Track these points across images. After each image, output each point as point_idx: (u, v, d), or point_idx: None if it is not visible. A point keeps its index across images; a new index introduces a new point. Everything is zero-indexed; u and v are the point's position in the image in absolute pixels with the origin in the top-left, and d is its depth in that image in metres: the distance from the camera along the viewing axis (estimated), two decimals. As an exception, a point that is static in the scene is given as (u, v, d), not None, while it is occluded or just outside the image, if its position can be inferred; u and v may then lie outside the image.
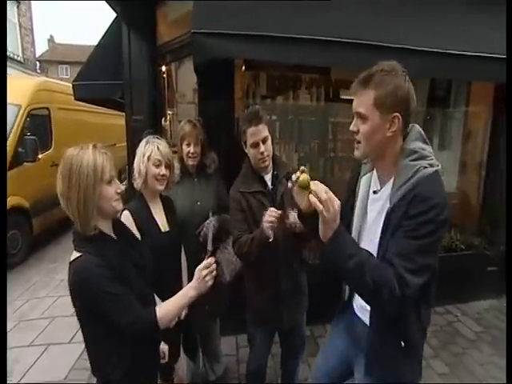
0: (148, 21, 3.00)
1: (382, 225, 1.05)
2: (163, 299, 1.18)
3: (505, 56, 2.12)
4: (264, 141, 1.65)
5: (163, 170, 1.52)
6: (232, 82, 2.67)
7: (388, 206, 1.04)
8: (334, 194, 0.99)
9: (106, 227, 1.05)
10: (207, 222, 1.93)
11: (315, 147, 3.18)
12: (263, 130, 1.64)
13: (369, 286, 0.95)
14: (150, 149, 1.51)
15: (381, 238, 1.05)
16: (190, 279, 1.18)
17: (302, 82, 3.09)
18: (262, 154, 1.65)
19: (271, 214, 1.49)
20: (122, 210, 1.39)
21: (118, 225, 1.11)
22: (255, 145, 1.65)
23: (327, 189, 0.98)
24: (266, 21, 1.98)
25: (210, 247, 1.34)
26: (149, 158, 1.49)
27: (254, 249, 1.62)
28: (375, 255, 1.05)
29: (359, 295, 1.10)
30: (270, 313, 1.78)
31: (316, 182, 1.02)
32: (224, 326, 2.27)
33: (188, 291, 1.11)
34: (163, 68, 3.49)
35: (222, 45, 1.79)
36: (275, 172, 1.76)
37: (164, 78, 3.62)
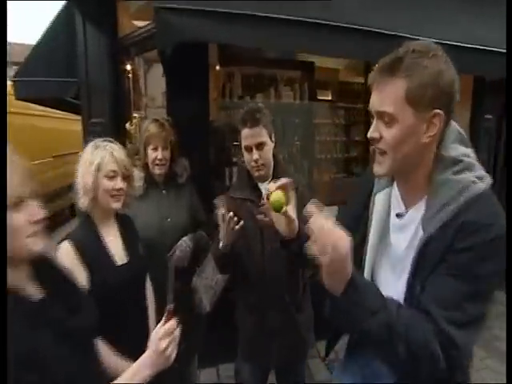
0: (107, 10, 2.58)
1: (413, 260, 0.76)
2: (124, 350, 0.88)
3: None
4: (259, 146, 1.36)
5: (119, 183, 1.15)
6: (206, 81, 2.32)
7: (421, 234, 0.75)
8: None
9: (18, 278, 0.66)
10: (180, 242, 1.57)
11: (298, 149, 2.88)
12: (259, 134, 1.35)
13: (400, 353, 0.67)
14: (100, 155, 1.13)
15: (412, 276, 0.76)
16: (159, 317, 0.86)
17: (283, 79, 2.79)
18: (255, 161, 1.36)
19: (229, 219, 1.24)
20: (61, 241, 1.01)
21: (41, 270, 0.72)
22: (248, 149, 1.37)
23: (328, 222, 0.67)
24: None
25: (170, 300, 0.99)
26: (99, 168, 1.11)
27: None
28: (402, 299, 0.77)
29: (387, 365, 0.79)
30: (258, 346, 1.47)
31: (311, 206, 0.71)
32: (203, 357, 1.91)
33: (139, 370, 0.75)
34: (128, 67, 3.11)
35: (191, 24, 1.44)
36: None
37: (129, 77, 3.23)
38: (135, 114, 3.44)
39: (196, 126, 2.19)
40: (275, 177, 1.46)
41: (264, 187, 1.47)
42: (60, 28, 2.60)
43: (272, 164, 1.44)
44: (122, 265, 1.15)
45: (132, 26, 2.61)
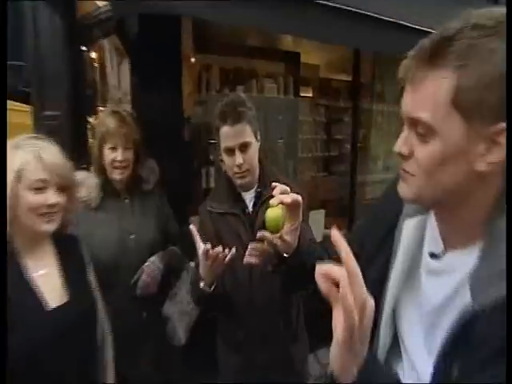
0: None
1: (451, 332, 0.50)
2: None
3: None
4: (243, 148, 1.09)
5: (51, 198, 0.82)
6: (179, 70, 2.02)
7: (468, 297, 0.48)
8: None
9: None
10: (147, 264, 1.28)
11: (282, 147, 2.61)
12: (242, 133, 1.09)
13: None
14: (21, 160, 0.80)
15: (444, 352, 0.51)
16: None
17: (265, 72, 2.50)
18: (238, 167, 1.10)
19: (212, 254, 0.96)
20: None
21: None
22: (229, 152, 1.10)
23: (353, 269, 0.43)
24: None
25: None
26: (19, 177, 0.78)
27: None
28: (430, 368, 0.52)
29: None
30: None
31: (335, 233, 0.44)
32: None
33: None
34: (93, 54, 2.71)
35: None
36: (259, 189, 1.19)
37: (96, 67, 2.83)
38: (102, 108, 3.05)
39: (166, 122, 1.88)
40: (262, 184, 1.20)
41: (249, 197, 1.21)
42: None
43: (258, 169, 1.18)
44: (59, 307, 0.83)
45: (93, 3, 2.23)
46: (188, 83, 2.48)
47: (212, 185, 2.31)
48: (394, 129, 3.22)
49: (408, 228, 0.64)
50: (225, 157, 1.13)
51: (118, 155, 1.23)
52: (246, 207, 1.19)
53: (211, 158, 2.50)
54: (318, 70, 3.53)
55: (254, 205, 1.19)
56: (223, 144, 1.10)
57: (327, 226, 2.67)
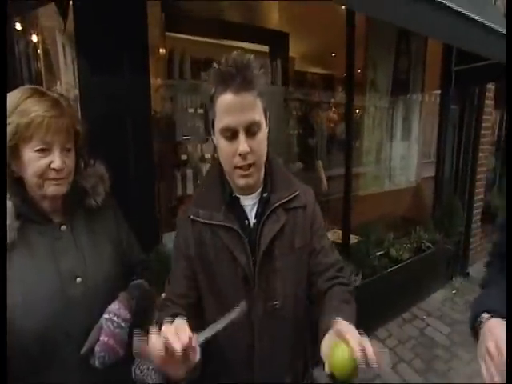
0: None
1: None
2: None
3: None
4: (251, 129, 0.71)
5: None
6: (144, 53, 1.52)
7: None
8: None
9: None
10: (105, 316, 0.83)
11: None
12: (251, 107, 0.71)
13: None
14: None
15: None
16: None
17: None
18: (242, 157, 0.72)
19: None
20: None
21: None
22: (229, 134, 0.72)
23: None
24: None
25: None
26: None
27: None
28: None
29: None
30: None
31: None
32: None
33: None
34: (34, 38, 2.09)
35: None
36: (265, 194, 0.81)
37: (38, 53, 2.21)
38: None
39: (124, 114, 1.38)
40: (268, 186, 0.81)
41: (250, 204, 0.81)
42: None
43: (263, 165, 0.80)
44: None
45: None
46: (155, 76, 1.97)
47: (190, 191, 1.82)
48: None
49: None
50: (221, 141, 0.73)
51: (55, 161, 0.75)
52: (247, 218, 0.80)
53: (184, 157, 2.03)
54: (294, 62, 3.22)
55: (257, 215, 0.80)
56: (221, 121, 0.70)
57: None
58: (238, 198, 0.80)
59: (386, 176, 2.85)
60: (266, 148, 0.76)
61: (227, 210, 0.77)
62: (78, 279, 0.80)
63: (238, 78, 0.67)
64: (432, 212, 3.09)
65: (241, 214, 0.79)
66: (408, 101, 2.92)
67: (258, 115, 0.72)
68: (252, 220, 0.80)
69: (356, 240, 2.47)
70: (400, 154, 2.92)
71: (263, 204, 0.80)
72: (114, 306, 0.83)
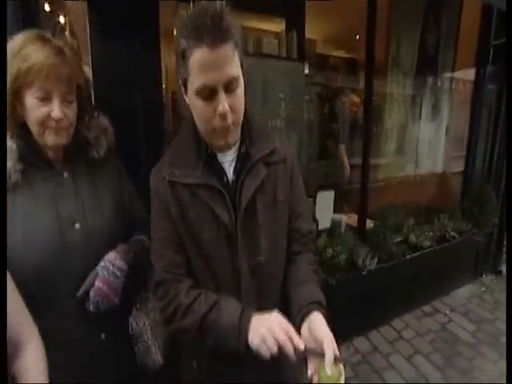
0: None
1: None
2: None
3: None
4: (230, 86, 0.66)
5: None
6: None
7: None
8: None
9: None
10: (102, 264, 0.84)
11: (284, 119, 2.11)
12: (229, 61, 0.65)
13: None
14: None
15: None
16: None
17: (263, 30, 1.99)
18: (222, 117, 0.67)
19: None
20: None
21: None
22: (207, 94, 0.66)
23: None
24: None
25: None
26: None
27: (197, 335, 0.74)
28: None
29: None
30: None
31: None
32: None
33: None
34: (61, 19, 2.17)
35: None
36: (243, 148, 0.77)
37: (67, 28, 2.30)
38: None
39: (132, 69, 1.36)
40: (247, 140, 0.78)
41: (228, 160, 0.77)
42: None
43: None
44: None
45: None
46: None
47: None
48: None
49: None
50: (197, 102, 0.67)
51: (54, 109, 0.76)
52: (225, 175, 0.76)
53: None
54: (315, 44, 3.10)
55: (237, 171, 0.76)
56: (197, 80, 0.65)
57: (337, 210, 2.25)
58: (216, 155, 0.76)
59: (411, 160, 2.67)
60: (242, 103, 0.71)
61: (204, 167, 0.73)
62: (77, 225, 0.82)
63: (213, 29, 0.60)
64: (460, 201, 2.86)
65: (219, 171, 0.76)
66: (436, 80, 2.70)
67: (237, 69, 0.66)
68: (231, 176, 0.76)
69: (373, 225, 2.36)
70: (426, 137, 2.72)
71: (242, 159, 0.76)
72: (111, 256, 0.84)
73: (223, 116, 0.65)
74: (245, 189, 0.74)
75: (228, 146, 0.74)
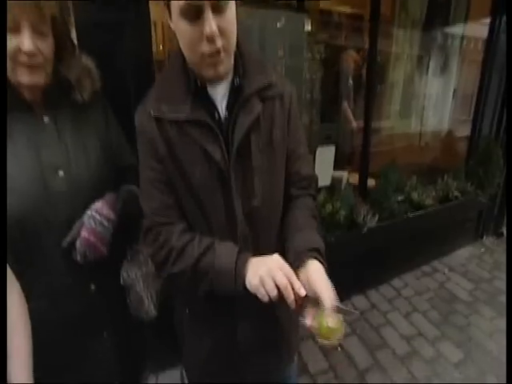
0: None
1: None
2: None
3: None
4: (218, 5, 0.58)
5: None
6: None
7: None
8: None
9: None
10: (88, 213, 0.81)
11: (283, 66, 1.96)
12: None
13: None
14: None
15: None
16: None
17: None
18: (210, 40, 0.59)
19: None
20: None
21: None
22: (193, 14, 0.58)
23: None
24: None
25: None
26: None
27: (191, 280, 0.71)
28: None
29: None
30: (218, 374, 0.85)
31: None
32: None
33: None
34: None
35: None
36: (236, 81, 0.70)
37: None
38: None
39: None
40: (241, 75, 0.70)
41: (220, 94, 0.70)
42: None
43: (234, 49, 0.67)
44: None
45: None
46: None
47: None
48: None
49: None
50: (181, 24, 0.60)
51: (24, 42, 0.69)
52: (216, 110, 0.70)
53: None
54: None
55: (229, 106, 0.70)
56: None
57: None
58: (206, 88, 0.68)
59: (415, 115, 2.54)
60: (235, 29, 0.63)
61: (194, 102, 0.66)
62: (60, 172, 0.77)
63: None
64: (465, 161, 2.77)
65: (210, 105, 0.69)
66: (446, 29, 2.49)
67: None
68: (223, 112, 0.70)
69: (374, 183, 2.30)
70: (433, 91, 2.57)
71: (235, 93, 0.68)
72: (98, 204, 0.81)
73: (211, 38, 0.58)
74: (238, 126, 0.68)
75: (219, 77, 0.67)
